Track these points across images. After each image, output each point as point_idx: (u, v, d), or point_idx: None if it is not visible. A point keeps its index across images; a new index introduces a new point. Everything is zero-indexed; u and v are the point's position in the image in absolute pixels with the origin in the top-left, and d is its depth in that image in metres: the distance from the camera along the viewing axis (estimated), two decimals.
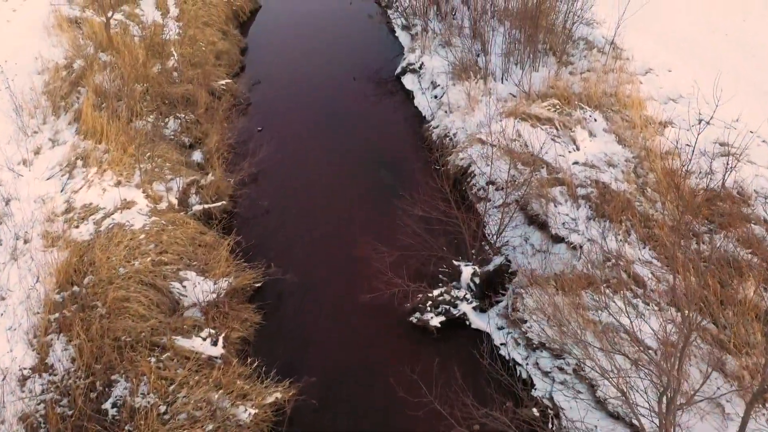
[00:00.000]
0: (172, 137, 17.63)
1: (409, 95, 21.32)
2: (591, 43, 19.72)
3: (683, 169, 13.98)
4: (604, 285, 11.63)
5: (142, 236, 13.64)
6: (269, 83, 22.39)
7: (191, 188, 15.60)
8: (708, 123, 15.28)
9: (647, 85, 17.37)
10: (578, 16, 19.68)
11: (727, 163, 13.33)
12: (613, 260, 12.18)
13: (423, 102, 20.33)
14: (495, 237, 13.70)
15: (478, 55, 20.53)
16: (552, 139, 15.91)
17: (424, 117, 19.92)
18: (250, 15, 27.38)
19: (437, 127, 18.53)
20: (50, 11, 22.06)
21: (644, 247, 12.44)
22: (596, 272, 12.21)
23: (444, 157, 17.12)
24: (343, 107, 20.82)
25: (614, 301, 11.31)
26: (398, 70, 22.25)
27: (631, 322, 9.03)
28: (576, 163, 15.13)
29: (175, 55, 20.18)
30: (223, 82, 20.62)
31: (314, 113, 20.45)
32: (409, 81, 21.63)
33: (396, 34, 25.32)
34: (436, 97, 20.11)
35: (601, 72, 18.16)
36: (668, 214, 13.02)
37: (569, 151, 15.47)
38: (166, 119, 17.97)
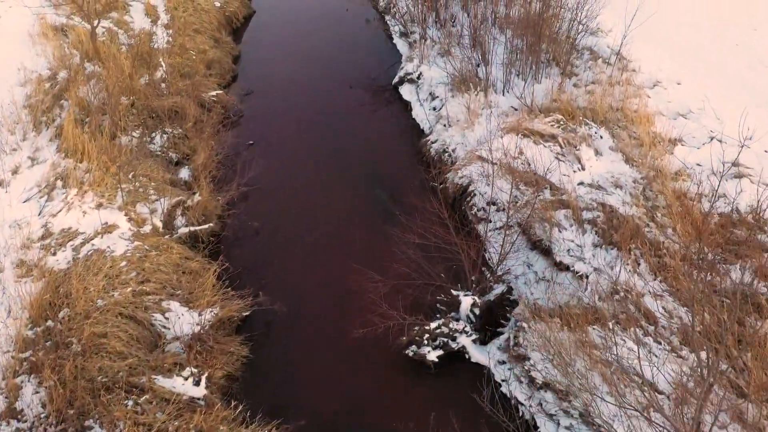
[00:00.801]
0: (159, 153, 16.88)
1: (406, 106, 20.57)
2: (596, 54, 18.95)
3: (695, 194, 13.26)
4: (613, 321, 10.89)
5: (123, 263, 12.91)
6: (262, 93, 21.63)
7: (177, 209, 14.85)
8: (720, 141, 14.56)
9: (655, 99, 16.60)
10: (583, 25, 18.91)
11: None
12: (622, 293, 11.44)
13: (421, 114, 19.58)
14: (496, 265, 12.96)
15: (478, 65, 19.76)
16: (556, 158, 15.15)
17: (422, 130, 19.18)
18: (244, 21, 26.60)
19: (435, 141, 17.78)
20: (36, 18, 21.28)
21: (655, 279, 11.69)
22: (603, 305, 11.48)
23: (442, 175, 16.36)
24: (339, 119, 20.07)
25: (623, 339, 10.60)
26: (396, 79, 21.49)
27: (641, 369, 8.31)
28: (581, 183, 14.38)
29: (164, 65, 19.39)
30: (213, 93, 19.85)
31: (308, 125, 19.71)
32: (406, 91, 20.88)
33: (394, 41, 24.56)
34: (434, 109, 19.36)
35: (607, 84, 17.39)
36: (679, 242, 12.27)
37: (574, 171, 14.72)
38: (153, 134, 17.22)
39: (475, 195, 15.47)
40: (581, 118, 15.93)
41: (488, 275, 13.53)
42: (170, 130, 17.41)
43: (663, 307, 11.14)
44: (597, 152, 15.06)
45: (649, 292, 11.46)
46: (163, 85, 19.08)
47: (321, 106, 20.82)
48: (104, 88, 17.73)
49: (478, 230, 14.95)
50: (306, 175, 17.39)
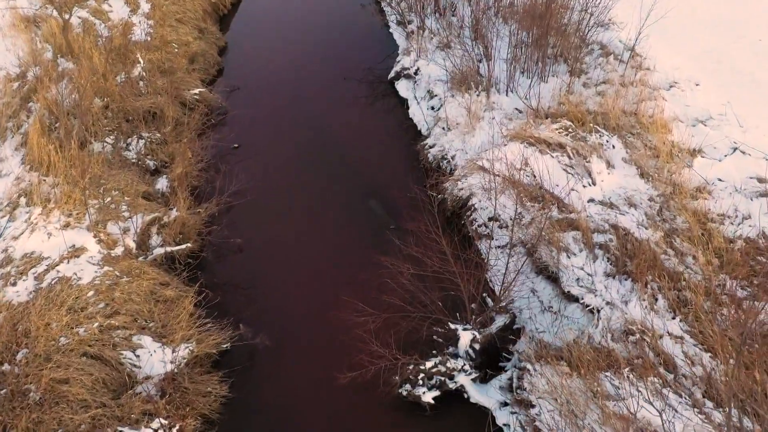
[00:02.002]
0: (135, 161, 15.65)
1: (403, 103, 19.25)
2: (607, 49, 17.55)
3: (717, 214, 12.09)
4: (627, 369, 9.80)
5: (91, 293, 11.81)
6: (249, 89, 20.29)
7: (152, 227, 13.69)
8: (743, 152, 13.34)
9: (672, 103, 15.29)
10: (594, 17, 17.49)
11: None
12: (638, 334, 10.33)
13: (418, 113, 18.27)
14: (499, 296, 11.84)
15: (479, 61, 18.39)
16: (564, 170, 13.93)
17: (420, 131, 17.89)
18: (232, 8, 25.06)
19: (433, 146, 16.52)
20: (5, 8, 19.84)
21: (674, 317, 10.56)
22: (616, 347, 10.38)
23: (440, 185, 15.14)
24: (331, 117, 18.76)
25: (639, 390, 9.52)
26: (392, 74, 20.12)
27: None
28: (592, 200, 13.19)
29: (142, 62, 18.03)
30: (196, 91, 18.52)
31: (298, 124, 18.43)
32: (403, 88, 19.53)
33: (390, 30, 23.10)
34: (432, 108, 18.05)
35: (619, 85, 16.05)
36: (700, 273, 11.13)
37: (584, 186, 13.51)
38: (129, 140, 15.97)
39: (475, 210, 14.29)
40: (592, 125, 14.64)
41: (489, 301, 12.45)
42: (147, 135, 16.15)
43: (683, 352, 10.04)
44: (609, 164, 13.83)
45: (668, 332, 10.35)
46: (141, 83, 17.75)
47: (312, 102, 19.52)
48: (76, 88, 16.44)
49: (478, 247, 13.83)
50: (294, 182, 16.18)
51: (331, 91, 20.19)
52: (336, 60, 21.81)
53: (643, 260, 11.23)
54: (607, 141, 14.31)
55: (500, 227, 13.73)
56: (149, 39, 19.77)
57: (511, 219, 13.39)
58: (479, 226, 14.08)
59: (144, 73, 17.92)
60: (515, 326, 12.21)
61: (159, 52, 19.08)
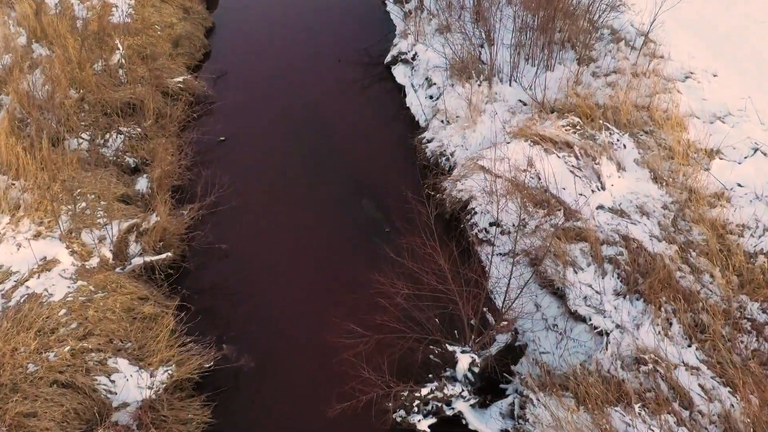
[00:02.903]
0: (114, 158, 14.69)
1: (399, 89, 18.17)
2: (618, 34, 16.39)
3: (736, 225, 11.20)
4: (639, 406, 9.04)
5: (63, 312, 11.01)
6: (238, 73, 19.19)
7: (130, 235, 12.81)
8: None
9: (687, 96, 14.23)
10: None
11: None
12: (650, 364, 9.54)
13: (416, 103, 17.20)
14: (501, 314, 11.04)
15: (481, 46, 17.24)
16: (571, 172, 12.98)
17: (417, 122, 16.86)
18: None
19: (432, 140, 15.53)
20: None
21: (690, 344, 9.76)
22: (627, 376, 9.61)
23: (439, 185, 14.22)
24: (324, 106, 17.71)
25: (651, 429, 8.80)
26: (388, 58, 18.98)
27: None
28: (601, 207, 12.27)
29: (121, 48, 16.90)
30: (180, 78, 17.41)
31: (289, 114, 17.39)
32: (400, 73, 18.41)
33: (387, 8, 21.85)
34: (431, 98, 16.99)
35: (631, 75, 14.97)
36: (718, 294, 10.29)
37: (592, 190, 12.57)
38: (106, 135, 14.97)
39: (476, 213, 13.39)
40: (601, 121, 13.62)
41: (490, 317, 11.66)
42: (126, 130, 15.15)
43: (700, 385, 9.27)
44: (620, 166, 12.86)
45: (683, 363, 9.56)
46: (120, 71, 16.65)
47: (303, 87, 18.46)
48: (49, 80, 15.38)
49: (479, 254, 13.01)
50: (284, 179, 15.24)
51: (324, 74, 19.11)
52: (329, 39, 20.71)
53: (657, 280, 10.37)
54: (618, 140, 13.32)
55: (502, 233, 12.85)
56: (130, 21, 18.56)
57: (514, 226, 12.55)
58: (480, 231, 13.20)
59: (123, 61, 16.80)
60: (517, 343, 11.46)
61: (140, 36, 17.90)
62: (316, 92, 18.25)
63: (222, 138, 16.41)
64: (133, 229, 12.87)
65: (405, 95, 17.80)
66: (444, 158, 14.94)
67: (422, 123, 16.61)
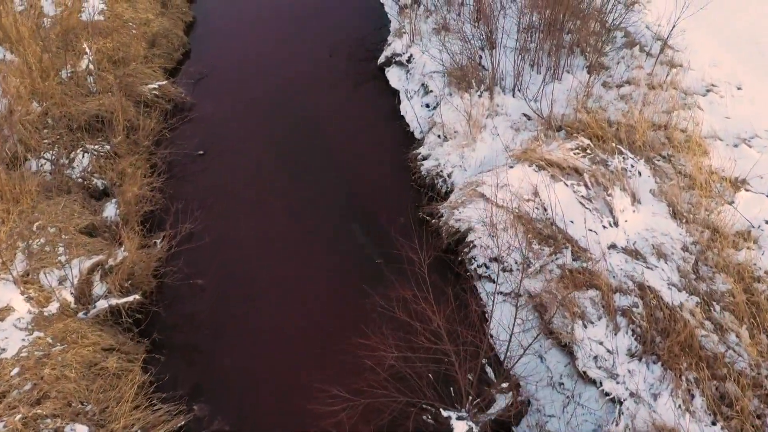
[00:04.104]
0: (80, 180, 13.45)
1: (394, 95, 16.80)
2: (632, 37, 14.96)
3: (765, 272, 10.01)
4: None
5: (15, 371, 9.93)
6: (219, 75, 17.83)
7: (95, 274, 11.65)
8: None
9: (709, 113, 12.91)
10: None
11: None
12: None
13: (411, 112, 15.85)
14: (502, 375, 9.94)
15: (482, 48, 15.82)
16: (580, 203, 11.76)
17: (412, 133, 15.55)
18: None
19: (428, 158, 14.24)
20: None
21: (714, 423, 8.68)
22: None
23: (435, 209, 13.01)
24: (312, 111, 16.42)
25: None
26: (382, 59, 17.57)
27: None
28: (613, 247, 11.07)
29: (90, 52, 15.48)
30: (155, 84, 16.03)
31: (275, 121, 16.15)
32: (394, 77, 17.03)
33: (382, 1, 20.34)
34: (427, 106, 15.64)
35: (646, 86, 13.61)
36: (745, 359, 9.17)
37: (604, 226, 11.36)
38: (72, 154, 13.70)
39: (474, 246, 12.20)
40: (614, 144, 12.33)
41: (489, 370, 10.58)
42: (94, 148, 13.87)
43: None
44: (634, 198, 11.62)
45: None
46: (90, 79, 15.27)
47: (290, 91, 17.15)
48: (10, 89, 14.04)
49: (477, 290, 11.89)
50: (268, 198, 14.03)
51: (313, 75, 17.76)
52: (320, 34, 19.34)
53: (677, 342, 9.24)
54: (632, 166, 12.06)
55: (504, 270, 11.69)
56: (102, 19, 17.09)
57: (517, 264, 11.40)
58: (479, 266, 12.04)
59: (92, 67, 15.41)
60: (519, 398, 10.39)
61: (112, 36, 16.45)
62: (305, 96, 16.93)
63: (200, 152, 15.13)
64: (98, 266, 11.70)
65: (399, 101, 16.44)
66: (441, 179, 13.69)
67: (417, 135, 15.30)
